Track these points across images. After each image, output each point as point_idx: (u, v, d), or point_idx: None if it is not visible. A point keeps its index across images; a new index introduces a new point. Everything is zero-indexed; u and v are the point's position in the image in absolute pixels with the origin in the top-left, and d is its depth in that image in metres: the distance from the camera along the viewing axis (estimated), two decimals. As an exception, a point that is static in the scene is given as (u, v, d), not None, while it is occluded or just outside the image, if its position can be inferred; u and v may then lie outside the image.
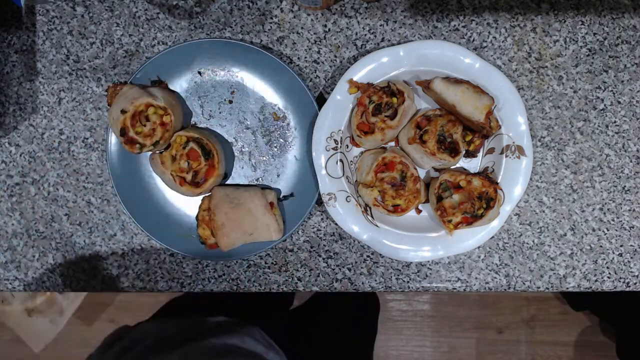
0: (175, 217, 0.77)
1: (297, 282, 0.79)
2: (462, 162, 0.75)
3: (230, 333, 0.79)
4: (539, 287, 0.78)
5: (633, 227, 0.77)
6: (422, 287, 0.79)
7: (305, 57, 0.77)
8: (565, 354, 1.76)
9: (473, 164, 0.75)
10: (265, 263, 0.79)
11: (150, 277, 0.79)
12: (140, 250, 0.79)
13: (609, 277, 0.77)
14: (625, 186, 0.76)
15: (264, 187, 0.77)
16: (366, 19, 0.76)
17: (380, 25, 0.76)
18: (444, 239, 0.73)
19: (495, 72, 0.71)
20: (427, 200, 0.73)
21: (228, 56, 0.74)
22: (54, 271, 0.80)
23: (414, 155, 0.72)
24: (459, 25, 0.76)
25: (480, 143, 0.73)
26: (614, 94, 0.76)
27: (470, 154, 0.74)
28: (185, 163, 0.72)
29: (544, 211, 0.77)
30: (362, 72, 0.72)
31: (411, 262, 0.78)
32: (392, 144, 0.75)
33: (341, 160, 0.73)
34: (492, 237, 0.74)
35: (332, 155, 0.73)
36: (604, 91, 0.76)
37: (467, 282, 0.78)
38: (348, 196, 0.73)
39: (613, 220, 0.77)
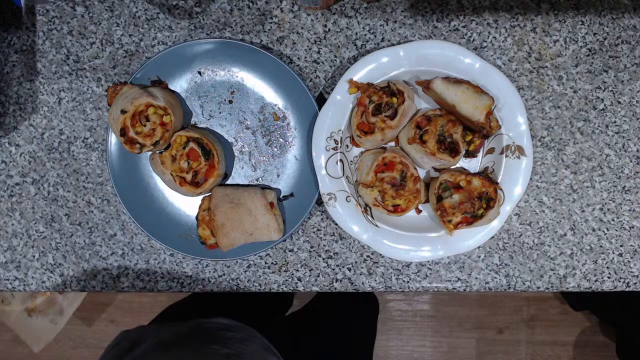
0: (175, 217, 0.77)
1: (297, 282, 0.79)
2: (462, 162, 0.75)
3: (230, 337, 0.79)
4: (539, 287, 0.78)
5: (633, 227, 0.77)
6: (422, 287, 0.78)
7: (305, 57, 0.77)
8: (565, 354, 1.76)
9: (473, 164, 0.75)
10: (265, 263, 0.79)
11: (150, 277, 0.79)
12: (140, 250, 0.79)
13: (609, 277, 0.77)
14: (625, 186, 0.76)
15: (264, 187, 0.77)
16: (366, 19, 0.76)
17: (380, 25, 0.76)
18: (444, 239, 0.73)
19: (495, 72, 0.71)
20: (427, 200, 0.73)
21: (228, 56, 0.74)
22: (54, 271, 0.80)
23: (414, 155, 0.72)
24: (459, 25, 0.76)
25: (480, 143, 0.73)
26: (614, 94, 0.76)
27: (470, 154, 0.74)
28: (185, 163, 0.72)
29: (544, 211, 0.77)
30: (362, 72, 0.72)
31: (411, 262, 0.78)
32: (392, 144, 0.75)
33: (341, 160, 0.73)
34: (492, 237, 0.74)
35: (332, 155, 0.73)
36: (604, 91, 0.76)
37: (467, 282, 0.78)
38: (348, 196, 0.73)
39: (613, 220, 0.77)
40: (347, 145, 0.74)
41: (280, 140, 0.77)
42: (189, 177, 0.72)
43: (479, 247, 0.77)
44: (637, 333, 1.35)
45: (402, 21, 0.76)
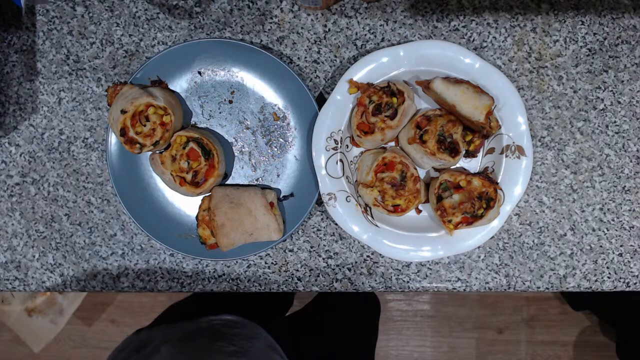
0: (175, 217, 0.77)
1: (297, 282, 0.79)
2: (462, 162, 0.75)
3: (235, 334, 0.79)
4: (539, 287, 0.78)
5: (633, 227, 0.77)
6: (422, 287, 0.78)
7: (305, 57, 0.77)
8: (565, 354, 1.76)
9: (473, 164, 0.75)
10: (265, 263, 0.79)
11: (150, 277, 0.79)
12: (140, 250, 0.79)
13: (609, 277, 0.77)
14: (625, 186, 0.76)
15: (264, 187, 0.77)
16: (366, 19, 0.76)
17: (380, 25, 0.76)
18: (444, 239, 0.73)
19: (495, 72, 0.71)
20: (427, 200, 0.73)
21: (228, 56, 0.74)
22: (54, 271, 0.80)
23: (414, 155, 0.72)
24: (459, 25, 0.76)
25: (480, 143, 0.73)
26: (614, 94, 0.76)
27: (470, 154, 0.74)
28: (185, 163, 0.72)
29: (544, 211, 0.77)
30: (362, 72, 0.72)
31: (411, 262, 0.78)
32: (392, 144, 0.75)
33: (341, 160, 0.73)
34: (492, 237, 0.74)
35: (332, 155, 0.73)
36: (604, 91, 0.76)
37: (467, 282, 0.78)
38: (348, 196, 0.73)
39: (613, 220, 0.77)
40: (347, 145, 0.74)
41: (280, 140, 0.77)
42: (189, 177, 0.72)
43: (479, 247, 0.77)
44: (637, 333, 1.34)
45: (402, 21, 0.76)
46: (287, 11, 0.76)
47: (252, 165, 0.77)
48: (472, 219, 0.70)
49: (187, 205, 0.77)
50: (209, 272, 0.79)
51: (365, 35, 0.76)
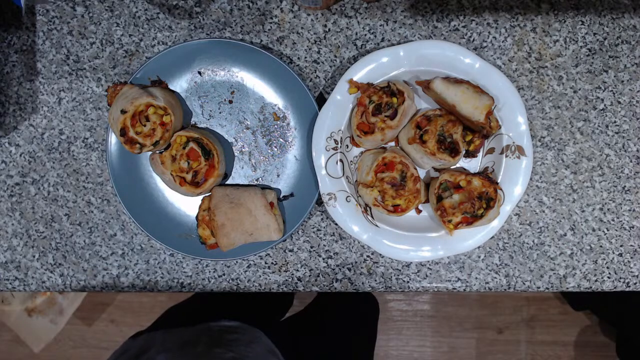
0: (175, 217, 0.77)
1: (297, 282, 0.79)
2: (462, 162, 0.75)
3: (235, 339, 0.79)
4: (539, 287, 0.78)
5: (633, 227, 0.77)
6: (422, 287, 0.78)
7: (305, 57, 0.77)
8: (565, 354, 1.76)
9: (473, 164, 0.75)
10: (265, 263, 0.79)
11: (150, 277, 0.79)
12: (140, 250, 0.79)
13: (609, 277, 0.77)
14: (625, 186, 0.76)
15: (264, 187, 0.77)
16: (366, 19, 0.76)
17: (380, 25, 0.76)
18: (444, 239, 0.73)
19: (495, 72, 0.71)
20: (427, 200, 0.73)
21: (228, 56, 0.74)
22: (54, 271, 0.80)
23: (414, 155, 0.72)
24: (459, 25, 0.76)
25: (480, 143, 0.73)
26: (614, 94, 0.76)
27: (470, 154, 0.74)
28: (185, 163, 0.72)
29: (544, 211, 0.77)
30: (362, 72, 0.72)
31: (411, 262, 0.78)
32: (392, 144, 0.75)
33: (341, 160, 0.73)
34: (492, 237, 0.74)
35: (332, 155, 0.73)
36: (604, 91, 0.76)
37: (467, 282, 0.78)
38: (348, 196, 0.73)
39: (613, 220, 0.77)
40: (347, 145, 0.74)
41: (280, 140, 0.77)
42: (189, 177, 0.72)
43: (479, 247, 0.77)
44: (637, 333, 1.34)
45: (402, 21, 0.76)
46: (287, 11, 0.76)
47: (252, 165, 0.77)
48: (472, 219, 0.70)
49: (187, 205, 0.77)
50: (209, 272, 0.79)
51: (365, 35, 0.76)
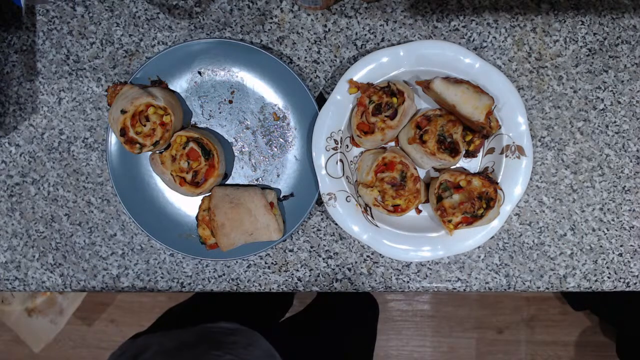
0: (175, 217, 0.77)
1: (297, 282, 0.79)
2: (462, 162, 0.75)
3: (233, 342, 0.79)
4: (539, 287, 0.78)
5: (633, 227, 0.77)
6: (422, 287, 0.78)
7: (305, 57, 0.77)
8: (565, 354, 1.76)
9: (473, 164, 0.75)
10: (265, 263, 0.79)
11: (150, 277, 0.79)
12: (140, 250, 0.79)
13: (609, 277, 0.77)
14: (625, 186, 0.76)
15: (264, 187, 0.77)
16: (366, 19, 0.76)
17: (380, 25, 0.76)
18: (444, 239, 0.73)
19: (495, 72, 0.71)
20: (427, 200, 0.73)
21: (228, 56, 0.74)
22: (54, 271, 0.80)
23: (414, 155, 0.72)
24: (459, 25, 0.76)
25: (480, 143, 0.73)
26: (614, 94, 0.76)
27: (470, 154, 0.74)
28: (185, 163, 0.72)
29: (544, 211, 0.77)
30: (362, 72, 0.72)
31: (411, 262, 0.78)
32: (392, 144, 0.75)
33: (341, 160, 0.73)
34: (492, 237, 0.74)
35: (332, 155, 0.73)
36: (604, 91, 0.76)
37: (467, 282, 0.78)
38: (348, 196, 0.73)
39: (613, 220, 0.77)
40: (347, 145, 0.74)
41: (280, 140, 0.77)
42: (189, 177, 0.72)
43: (479, 247, 0.77)
44: (637, 333, 1.34)
45: (402, 21, 0.76)
46: (287, 11, 0.76)
47: (252, 165, 0.77)
48: (472, 219, 0.70)
49: (187, 205, 0.77)
50: (209, 272, 0.79)
51: (365, 35, 0.76)
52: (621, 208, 0.77)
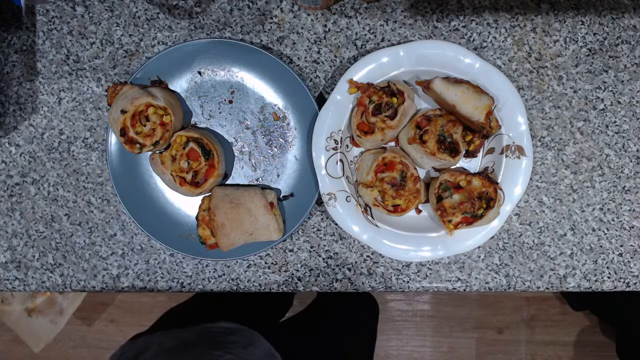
0: (175, 217, 0.77)
1: (297, 282, 0.79)
2: (462, 162, 0.75)
3: (233, 342, 0.79)
4: (539, 287, 0.78)
5: (633, 227, 0.77)
6: (422, 287, 0.78)
7: (305, 57, 0.77)
8: (565, 354, 1.76)
9: (473, 164, 0.75)
10: (265, 263, 0.79)
11: (150, 277, 0.79)
12: (140, 250, 0.79)
13: (609, 277, 0.77)
14: (625, 186, 0.76)
15: (264, 187, 0.77)
16: (366, 19, 0.76)
17: (380, 25, 0.76)
18: (444, 239, 0.73)
19: (495, 72, 0.71)
20: (427, 200, 0.73)
21: (228, 56, 0.74)
22: (54, 271, 0.80)
23: (414, 155, 0.72)
24: (459, 25, 0.76)
25: (480, 143, 0.73)
26: (614, 94, 0.76)
27: (470, 154, 0.74)
28: (185, 163, 0.72)
29: (544, 211, 0.77)
30: (362, 72, 0.72)
31: (411, 262, 0.78)
32: (392, 144, 0.75)
33: (341, 160, 0.73)
34: (492, 237, 0.74)
35: (332, 155, 0.73)
36: (604, 91, 0.76)
37: (467, 282, 0.78)
38: (348, 196, 0.73)
39: (613, 220, 0.77)
40: (347, 145, 0.74)
41: (280, 140, 0.77)
42: (189, 177, 0.72)
43: (479, 247, 0.77)
44: (637, 333, 1.34)
45: (402, 21, 0.76)
46: (287, 11, 0.76)
47: (252, 165, 0.77)
48: (472, 219, 0.70)
49: (187, 205, 0.77)
50: (209, 272, 0.79)
51: (365, 35, 0.76)
52: (621, 208, 0.77)
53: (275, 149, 0.77)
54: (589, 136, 0.76)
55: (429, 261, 0.78)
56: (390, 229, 0.74)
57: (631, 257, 0.77)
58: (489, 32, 0.76)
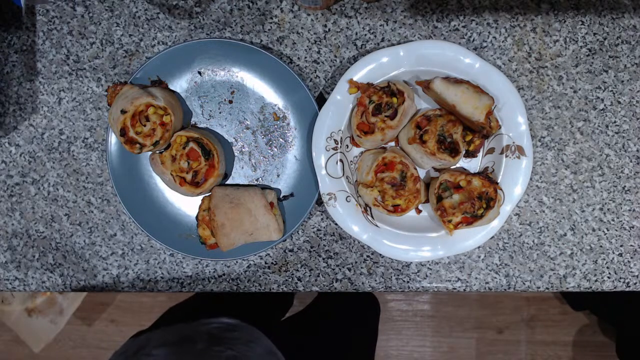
0: (175, 217, 0.77)
1: (297, 282, 0.79)
2: (462, 162, 0.75)
3: (234, 338, 0.79)
4: (539, 287, 0.78)
5: (633, 227, 0.77)
6: (422, 287, 0.79)
7: (305, 57, 0.77)
8: (565, 354, 1.76)
9: (473, 164, 0.75)
10: (265, 263, 0.79)
11: (150, 277, 0.79)
12: (140, 250, 0.79)
13: (609, 277, 0.77)
14: (625, 186, 0.76)
15: (264, 187, 0.77)
16: (366, 19, 0.76)
17: (380, 25, 0.76)
18: (444, 239, 0.73)
19: (495, 72, 0.71)
20: (427, 200, 0.73)
21: (228, 56, 0.74)
22: (54, 271, 0.80)
23: (414, 155, 0.72)
24: (459, 25, 0.76)
25: (480, 143, 0.73)
26: (614, 94, 0.76)
27: (470, 154, 0.74)
28: (185, 163, 0.72)
29: (544, 211, 0.77)
30: (362, 72, 0.72)
31: (411, 262, 0.78)
32: (392, 144, 0.75)
33: (341, 160, 0.73)
34: (492, 237, 0.74)
35: (332, 155, 0.73)
36: (604, 91, 0.76)
37: (467, 282, 0.78)
38: (348, 196, 0.73)
39: (613, 220, 0.77)
40: (347, 145, 0.74)
41: (280, 140, 0.77)
42: (189, 177, 0.72)
43: (479, 247, 0.77)
44: (637, 333, 1.34)
45: (402, 21, 0.76)
46: (287, 11, 0.76)
47: (252, 165, 0.77)
48: (472, 219, 0.70)
49: (187, 205, 0.77)
50: (209, 272, 0.79)
51: (365, 35, 0.76)
52: (621, 208, 0.77)
53: (275, 149, 0.77)
54: (589, 136, 0.76)
55: (429, 261, 0.78)
56: (390, 229, 0.74)
57: (631, 257, 0.77)
58: (489, 32, 0.76)
